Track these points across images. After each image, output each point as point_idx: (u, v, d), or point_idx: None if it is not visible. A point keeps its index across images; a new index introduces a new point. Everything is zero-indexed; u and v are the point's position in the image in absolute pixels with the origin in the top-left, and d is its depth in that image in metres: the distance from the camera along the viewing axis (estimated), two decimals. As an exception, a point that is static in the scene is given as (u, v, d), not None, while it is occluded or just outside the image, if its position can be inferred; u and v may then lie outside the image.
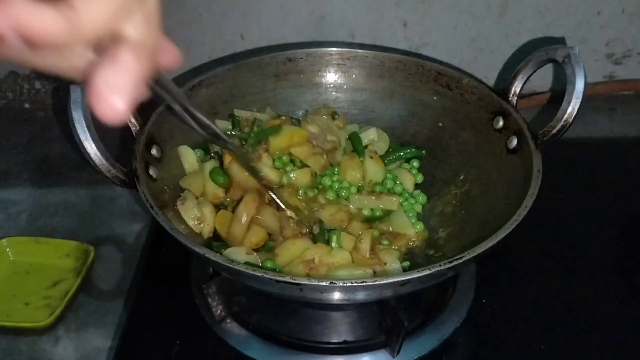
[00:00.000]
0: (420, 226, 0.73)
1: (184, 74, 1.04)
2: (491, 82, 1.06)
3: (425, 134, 0.81)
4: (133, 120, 0.68)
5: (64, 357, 0.68)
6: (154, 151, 0.68)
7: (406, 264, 0.68)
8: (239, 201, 0.70)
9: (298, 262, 0.65)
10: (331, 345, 0.66)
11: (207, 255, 0.53)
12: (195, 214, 0.67)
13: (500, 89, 0.74)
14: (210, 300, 0.64)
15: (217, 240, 0.69)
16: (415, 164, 0.81)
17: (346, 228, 0.71)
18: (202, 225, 0.68)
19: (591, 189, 0.87)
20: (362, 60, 0.82)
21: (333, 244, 0.68)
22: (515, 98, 0.72)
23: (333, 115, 0.82)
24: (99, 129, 0.60)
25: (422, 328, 0.67)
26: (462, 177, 0.76)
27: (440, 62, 0.82)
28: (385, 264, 0.66)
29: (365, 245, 0.67)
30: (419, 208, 0.77)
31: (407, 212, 0.75)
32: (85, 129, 0.60)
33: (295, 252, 0.67)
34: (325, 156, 0.76)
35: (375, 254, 0.68)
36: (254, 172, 0.70)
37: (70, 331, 0.70)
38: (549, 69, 1.04)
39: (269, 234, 0.70)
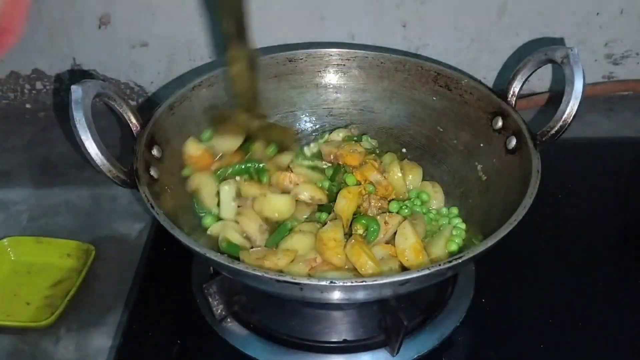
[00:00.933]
0: (454, 247, 0.68)
1: (185, 74, 1.04)
2: (490, 82, 1.06)
3: (425, 134, 0.81)
4: (134, 120, 0.68)
5: (65, 357, 0.68)
6: (154, 151, 0.68)
7: None
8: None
9: (299, 260, 0.65)
10: (331, 345, 0.66)
11: (207, 255, 0.53)
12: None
13: (499, 90, 0.74)
14: (210, 299, 0.64)
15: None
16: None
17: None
18: None
19: (590, 189, 0.87)
20: (362, 61, 0.82)
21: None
22: (514, 98, 0.72)
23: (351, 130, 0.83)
24: (100, 129, 0.60)
25: (421, 327, 0.67)
26: (461, 177, 0.76)
27: (440, 63, 0.82)
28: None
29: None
30: (460, 237, 0.70)
31: (453, 235, 0.70)
32: (87, 129, 0.59)
33: (299, 247, 0.66)
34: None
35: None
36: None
37: (71, 330, 0.71)
38: (547, 69, 1.04)
39: None
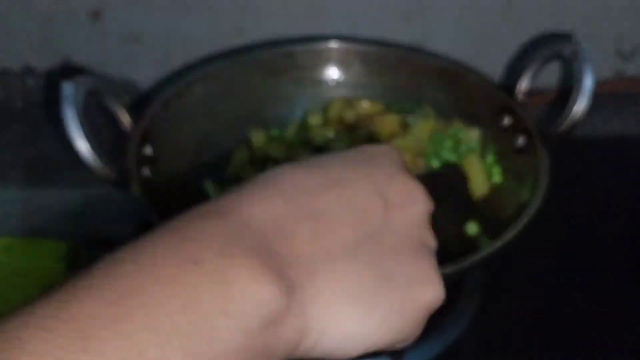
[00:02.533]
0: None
1: (179, 70, 1.03)
2: (496, 78, 1.04)
3: (429, 132, 0.79)
4: (127, 117, 0.68)
5: None
6: (148, 150, 0.67)
7: None
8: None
9: None
10: (331, 351, 0.64)
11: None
12: None
13: (506, 86, 0.73)
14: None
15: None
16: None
17: None
18: None
19: (600, 190, 0.86)
20: (364, 56, 0.81)
21: None
22: (522, 95, 0.71)
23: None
24: (93, 127, 0.60)
25: (425, 333, 0.64)
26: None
27: (444, 58, 0.81)
28: None
29: None
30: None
31: None
32: (78, 126, 0.59)
33: None
34: None
35: None
36: None
37: (62, 335, 0.69)
38: (556, 65, 1.02)
39: None
